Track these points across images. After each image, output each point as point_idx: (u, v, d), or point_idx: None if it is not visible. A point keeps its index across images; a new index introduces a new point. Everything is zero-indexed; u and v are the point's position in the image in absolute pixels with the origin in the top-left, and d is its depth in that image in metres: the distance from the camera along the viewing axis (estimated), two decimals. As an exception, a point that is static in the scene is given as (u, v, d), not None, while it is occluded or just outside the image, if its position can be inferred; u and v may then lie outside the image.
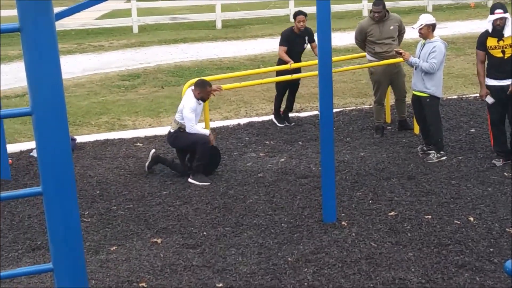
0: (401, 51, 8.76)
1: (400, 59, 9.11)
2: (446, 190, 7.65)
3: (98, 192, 7.99)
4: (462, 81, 13.38)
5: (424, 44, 8.55)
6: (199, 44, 18.99)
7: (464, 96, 12.08)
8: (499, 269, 5.77)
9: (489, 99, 8.28)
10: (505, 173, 8.02)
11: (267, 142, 9.73)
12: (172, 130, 8.43)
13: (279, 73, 10.32)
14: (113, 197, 7.81)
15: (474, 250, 6.21)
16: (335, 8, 22.59)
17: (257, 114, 11.39)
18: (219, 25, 22.33)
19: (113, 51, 17.83)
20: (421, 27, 8.38)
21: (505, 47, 8.08)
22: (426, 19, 8.43)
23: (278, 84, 10.41)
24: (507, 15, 7.97)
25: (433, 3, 25.72)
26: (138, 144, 9.79)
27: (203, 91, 8.34)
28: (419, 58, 8.51)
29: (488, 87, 8.29)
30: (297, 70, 10.19)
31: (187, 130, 8.22)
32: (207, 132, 8.44)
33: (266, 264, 6.08)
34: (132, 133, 10.38)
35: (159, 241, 6.64)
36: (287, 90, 10.47)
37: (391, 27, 9.59)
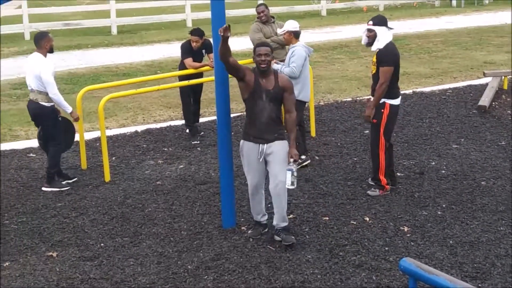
0: None
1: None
2: (342, 191, 7.80)
3: (-11, 206, 7.68)
4: (356, 84, 13.69)
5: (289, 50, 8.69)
6: (94, 50, 18.64)
7: (358, 98, 12.37)
8: (394, 267, 5.92)
9: None
10: (397, 173, 8.24)
11: (165, 149, 9.64)
12: (42, 103, 8.02)
13: (181, 80, 10.12)
14: (5, 211, 7.52)
15: (370, 249, 6.35)
16: (231, 13, 22.66)
17: (155, 120, 11.27)
18: (114, 30, 21.98)
19: (4, 59, 17.22)
20: (283, 32, 8.53)
21: None
22: (289, 25, 8.52)
23: (182, 93, 10.23)
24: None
25: (327, 7, 26.23)
26: (32, 154, 9.48)
27: (48, 40, 8.05)
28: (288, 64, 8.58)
29: None
30: (199, 75, 10.07)
31: (51, 95, 7.90)
32: (69, 108, 8.11)
33: (165, 273, 6.00)
34: (24, 143, 10.04)
35: (54, 254, 6.44)
36: (191, 98, 10.31)
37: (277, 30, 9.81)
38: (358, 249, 6.37)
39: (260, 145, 6.40)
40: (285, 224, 6.57)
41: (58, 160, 8.29)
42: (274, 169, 6.38)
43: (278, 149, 6.37)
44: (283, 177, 6.31)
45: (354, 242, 6.52)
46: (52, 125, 8.15)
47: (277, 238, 6.57)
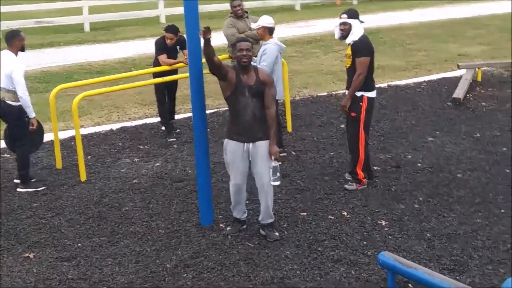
0: None
1: None
2: (319, 186, 7.81)
3: (-37, 208, 7.58)
4: (331, 78, 13.71)
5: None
6: (67, 48, 18.46)
7: (333, 92, 12.39)
8: (373, 261, 5.94)
9: None
10: (374, 167, 8.26)
11: (141, 147, 9.58)
12: (8, 102, 7.89)
13: (156, 77, 10.03)
14: (-20, 213, 7.44)
15: (349, 244, 6.37)
16: (204, 8, 22.57)
17: (130, 118, 11.20)
18: (87, 27, 21.79)
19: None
20: (258, 27, 8.50)
21: None
22: (264, 21, 8.50)
23: (157, 91, 10.15)
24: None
25: (301, 2, 26.22)
26: (5, 155, 9.36)
27: (21, 39, 7.96)
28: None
29: None
30: (173, 72, 9.99)
31: (20, 94, 7.78)
32: (33, 113, 7.99)
33: (144, 272, 5.97)
34: (-2, 143, 9.92)
35: (31, 255, 6.38)
36: (166, 95, 10.21)
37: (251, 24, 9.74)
38: (336, 244, 6.39)
39: (245, 144, 6.39)
40: (271, 220, 6.61)
41: (27, 161, 8.19)
42: (259, 168, 6.39)
43: (263, 149, 6.37)
44: (268, 177, 6.32)
45: (332, 237, 6.53)
46: (18, 125, 8.03)
47: (262, 232, 6.60)
